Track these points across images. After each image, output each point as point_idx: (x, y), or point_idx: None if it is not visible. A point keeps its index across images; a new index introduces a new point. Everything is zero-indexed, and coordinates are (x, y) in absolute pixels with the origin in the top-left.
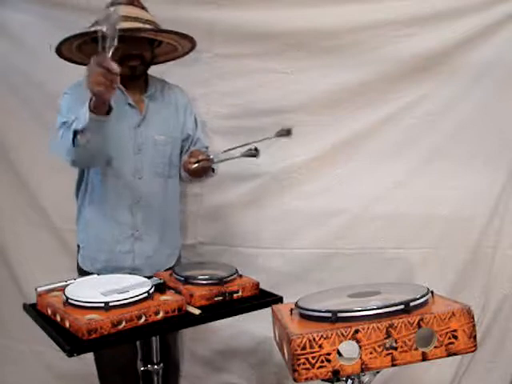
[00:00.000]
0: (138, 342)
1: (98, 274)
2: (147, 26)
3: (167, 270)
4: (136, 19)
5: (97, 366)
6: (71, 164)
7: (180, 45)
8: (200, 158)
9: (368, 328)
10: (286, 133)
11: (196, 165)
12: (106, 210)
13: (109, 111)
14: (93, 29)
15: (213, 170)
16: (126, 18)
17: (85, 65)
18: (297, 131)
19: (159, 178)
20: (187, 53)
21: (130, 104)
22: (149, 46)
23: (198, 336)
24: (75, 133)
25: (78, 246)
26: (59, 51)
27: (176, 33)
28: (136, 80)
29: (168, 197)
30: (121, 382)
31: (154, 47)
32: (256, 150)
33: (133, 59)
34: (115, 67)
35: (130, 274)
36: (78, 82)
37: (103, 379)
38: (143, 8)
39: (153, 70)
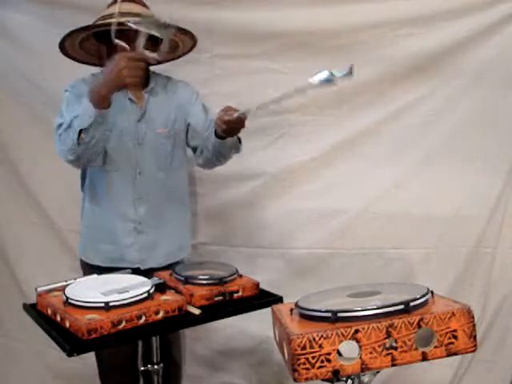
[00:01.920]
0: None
1: (99, 273)
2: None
3: (176, 263)
4: (137, 15)
5: (97, 362)
6: (73, 164)
7: (181, 41)
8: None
9: (368, 328)
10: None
11: (237, 113)
12: (109, 204)
13: (110, 103)
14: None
15: (239, 140)
16: (127, 14)
17: (83, 62)
18: (297, 131)
19: (160, 171)
20: (188, 51)
21: (130, 99)
22: (151, 42)
23: (198, 336)
24: (80, 131)
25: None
26: (63, 46)
27: (177, 28)
28: None
29: (169, 189)
30: (121, 379)
31: (157, 44)
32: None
33: None
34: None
35: (133, 267)
36: (79, 79)
37: (104, 376)
38: (144, 5)
39: (154, 69)
